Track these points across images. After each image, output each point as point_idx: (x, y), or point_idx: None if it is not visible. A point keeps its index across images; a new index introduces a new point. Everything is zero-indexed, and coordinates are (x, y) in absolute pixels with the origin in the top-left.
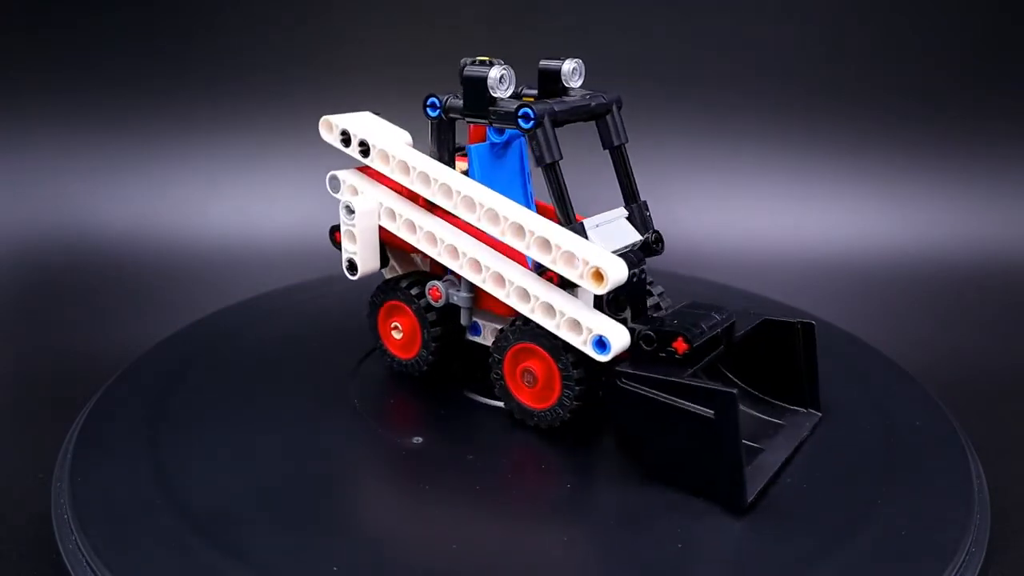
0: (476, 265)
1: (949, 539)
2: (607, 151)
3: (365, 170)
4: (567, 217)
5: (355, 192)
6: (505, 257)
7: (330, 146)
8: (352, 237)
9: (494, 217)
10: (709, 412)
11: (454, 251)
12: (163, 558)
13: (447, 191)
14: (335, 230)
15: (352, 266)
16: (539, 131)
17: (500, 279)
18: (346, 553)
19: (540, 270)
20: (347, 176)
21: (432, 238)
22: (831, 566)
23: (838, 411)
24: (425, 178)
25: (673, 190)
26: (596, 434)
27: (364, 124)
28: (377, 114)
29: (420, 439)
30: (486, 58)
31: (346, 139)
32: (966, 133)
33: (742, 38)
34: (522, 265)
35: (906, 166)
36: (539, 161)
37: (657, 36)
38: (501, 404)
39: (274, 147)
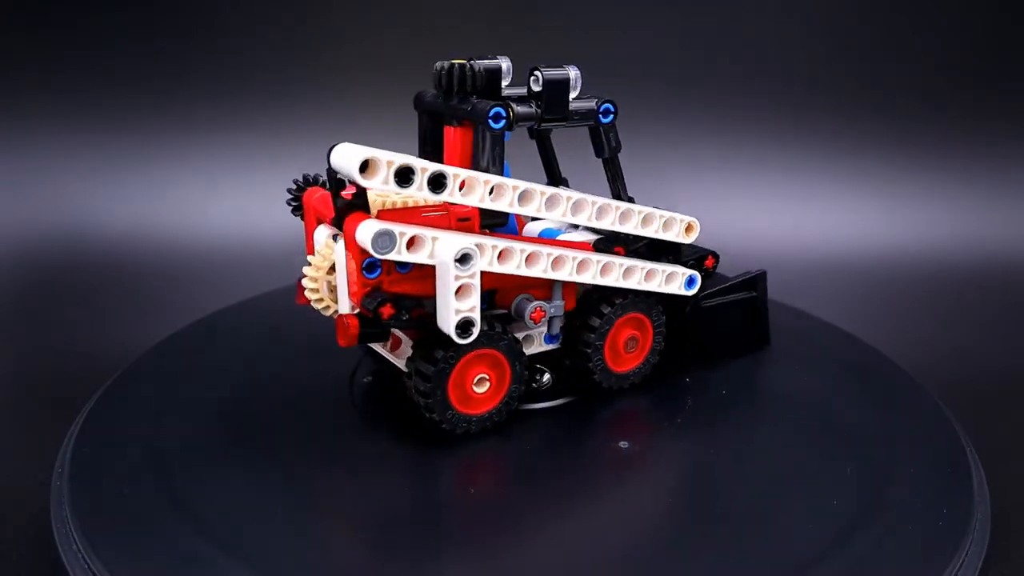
0: (585, 264)
1: (949, 539)
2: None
3: (389, 214)
4: (629, 197)
5: (421, 242)
6: (586, 251)
7: (330, 146)
8: (470, 291)
9: (583, 206)
10: (752, 293)
11: (560, 260)
12: (163, 558)
13: (556, 200)
14: (383, 302)
15: (469, 325)
16: (615, 123)
17: (608, 267)
18: (346, 553)
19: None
20: (399, 228)
21: (535, 256)
22: (831, 566)
23: (837, 410)
24: (530, 195)
25: (673, 190)
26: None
27: (398, 154)
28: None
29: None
30: (462, 60)
31: (405, 176)
32: (966, 133)
33: (742, 38)
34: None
35: (906, 166)
36: (610, 151)
37: (657, 36)
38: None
39: (274, 147)
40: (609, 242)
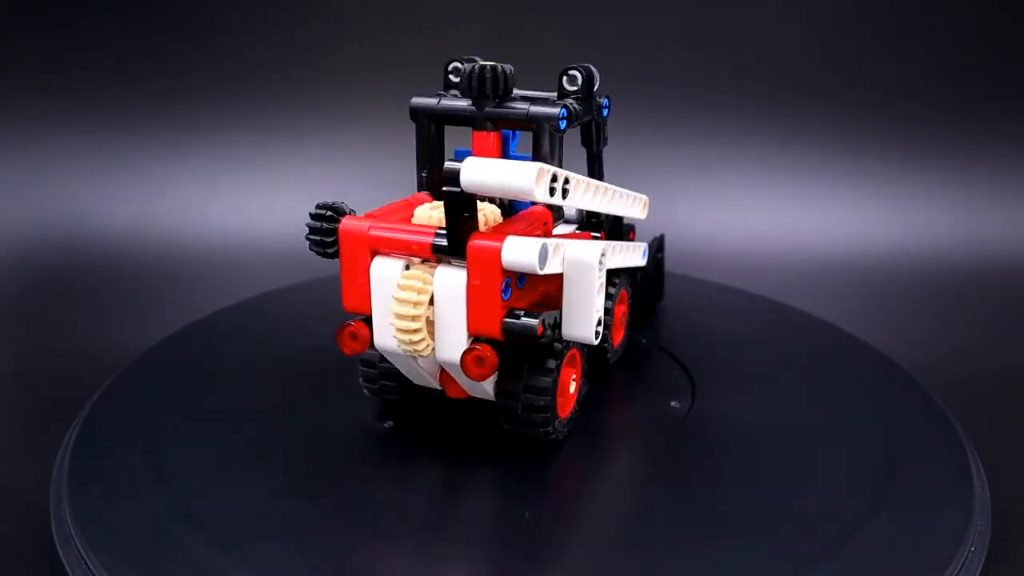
0: (615, 251)
1: (950, 539)
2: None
3: (500, 229)
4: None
5: (556, 251)
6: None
7: (330, 146)
8: (602, 291)
9: (609, 193)
10: (660, 254)
11: (608, 250)
12: (162, 559)
13: (613, 192)
14: (542, 321)
15: (599, 324)
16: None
17: (618, 251)
18: (346, 553)
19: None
20: (550, 241)
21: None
22: (831, 566)
23: (838, 411)
24: (607, 191)
25: (673, 190)
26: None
27: (543, 164)
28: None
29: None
30: (477, 58)
31: (553, 186)
32: (966, 133)
33: (742, 38)
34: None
35: (906, 166)
36: (602, 144)
37: (657, 36)
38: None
39: (274, 147)
40: (586, 227)
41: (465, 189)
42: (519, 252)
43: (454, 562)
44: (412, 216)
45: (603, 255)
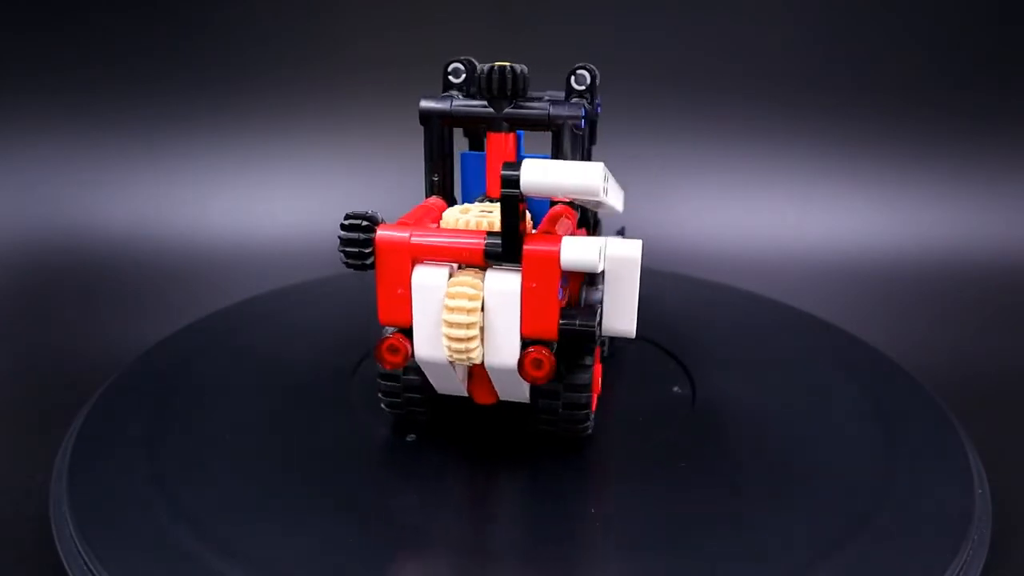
0: None
1: (950, 540)
2: None
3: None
4: None
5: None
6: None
7: (330, 146)
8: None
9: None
10: None
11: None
12: (162, 559)
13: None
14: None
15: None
16: None
17: None
18: (347, 553)
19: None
20: (598, 240)
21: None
22: (831, 567)
23: (837, 411)
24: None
25: (673, 190)
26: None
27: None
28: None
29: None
30: (468, 57)
31: (606, 185)
32: (967, 133)
33: (743, 37)
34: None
35: (907, 166)
36: (593, 143)
37: (657, 36)
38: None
39: (274, 147)
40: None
41: (525, 192)
42: (579, 252)
43: (441, 559)
44: (441, 221)
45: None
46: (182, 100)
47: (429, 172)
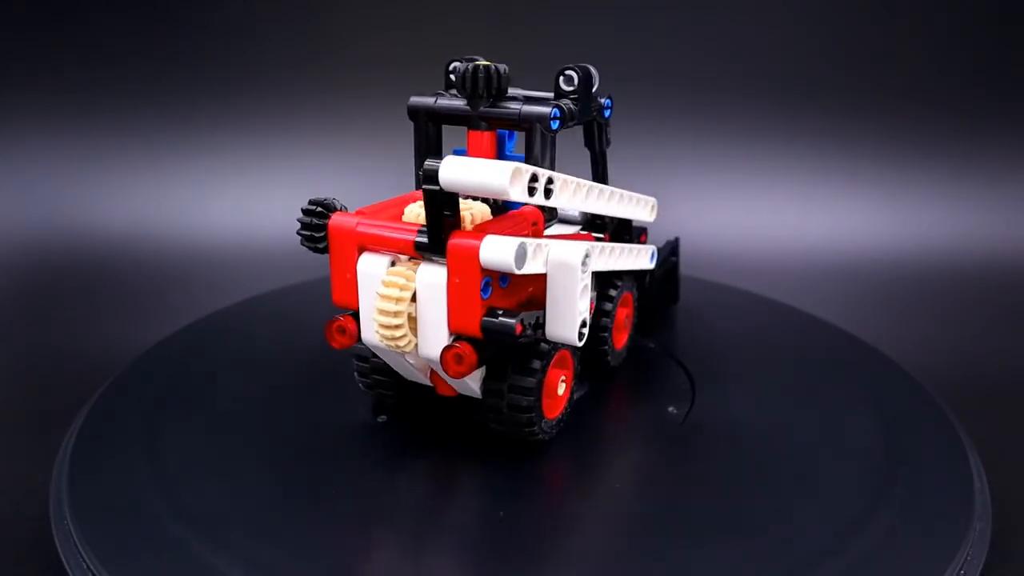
0: (614, 252)
1: (949, 540)
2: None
3: (492, 227)
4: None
5: (539, 251)
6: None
7: (330, 146)
8: (585, 292)
9: (606, 194)
10: (675, 257)
11: (603, 251)
12: (162, 559)
13: (609, 194)
14: (520, 320)
15: (584, 326)
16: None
17: (614, 253)
18: (347, 553)
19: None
20: (530, 240)
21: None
22: (831, 567)
23: (838, 411)
24: (603, 192)
25: (673, 190)
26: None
27: (523, 164)
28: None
29: (384, 417)
30: (479, 58)
31: (533, 186)
32: (967, 133)
33: (743, 37)
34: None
35: (907, 166)
36: (605, 145)
37: (657, 35)
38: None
39: (274, 147)
40: (587, 228)
41: (445, 187)
42: (496, 251)
43: (438, 558)
44: (403, 213)
45: (587, 256)
46: (182, 100)
47: (418, 167)
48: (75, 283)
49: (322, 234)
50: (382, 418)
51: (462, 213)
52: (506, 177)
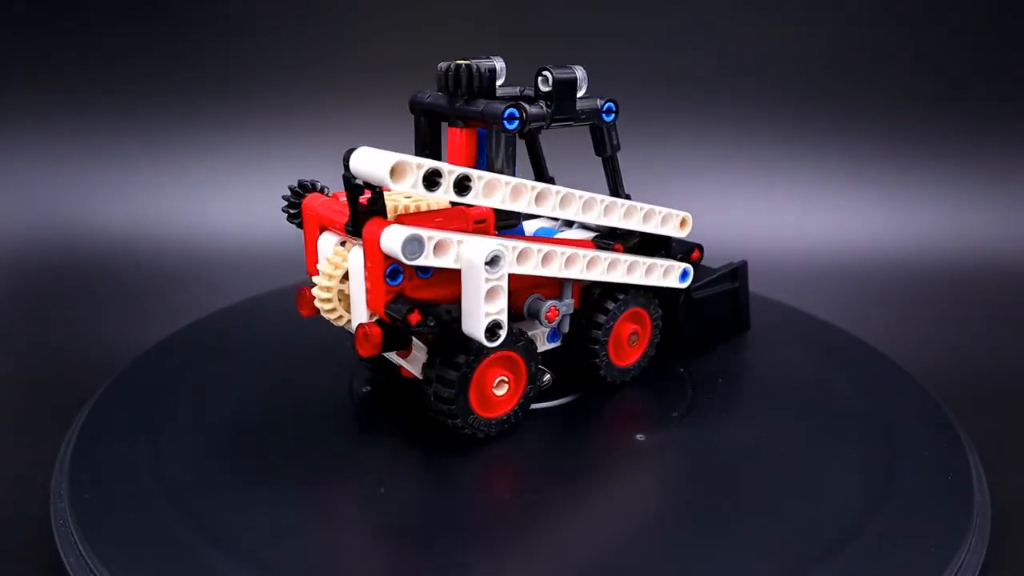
0: (595, 262)
1: (949, 539)
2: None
3: (410, 219)
4: (626, 195)
5: (447, 246)
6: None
7: (330, 147)
8: (498, 294)
9: (592, 204)
10: (736, 283)
11: (572, 259)
12: (162, 559)
13: (570, 199)
14: (412, 309)
15: (497, 328)
16: (616, 122)
17: (615, 264)
18: (347, 553)
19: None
20: (427, 233)
21: (551, 255)
22: (831, 566)
23: (838, 411)
24: (544, 195)
25: (673, 190)
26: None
27: (425, 159)
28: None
29: (368, 388)
30: (465, 60)
31: (433, 180)
32: (968, 133)
33: (743, 38)
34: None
35: (908, 166)
36: (612, 150)
37: (657, 36)
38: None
39: (274, 147)
40: (606, 239)
41: (354, 173)
42: (389, 240)
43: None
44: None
45: (496, 257)
46: (182, 100)
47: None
48: (75, 283)
49: (296, 211)
50: (366, 388)
51: (405, 203)
52: (386, 169)
